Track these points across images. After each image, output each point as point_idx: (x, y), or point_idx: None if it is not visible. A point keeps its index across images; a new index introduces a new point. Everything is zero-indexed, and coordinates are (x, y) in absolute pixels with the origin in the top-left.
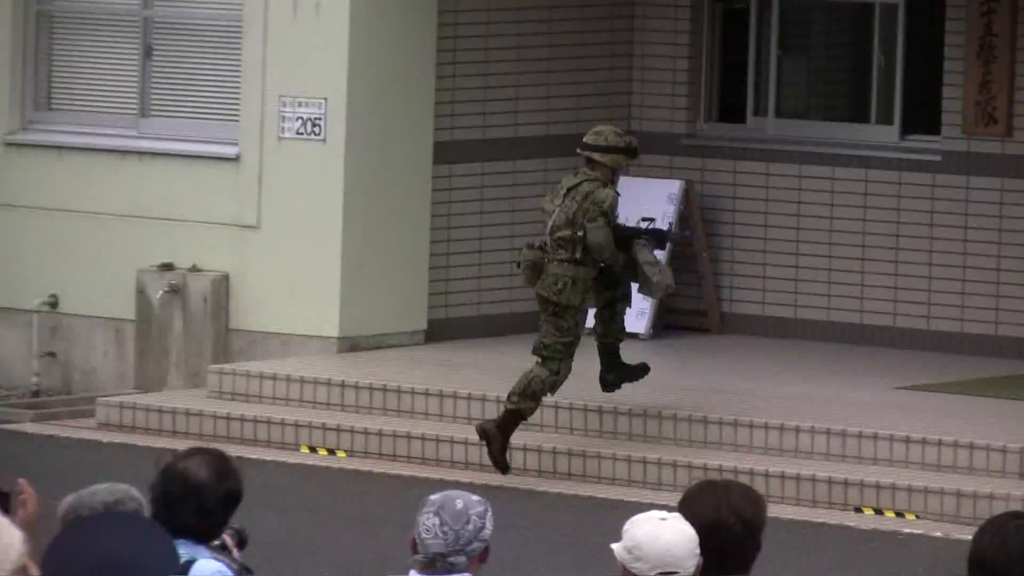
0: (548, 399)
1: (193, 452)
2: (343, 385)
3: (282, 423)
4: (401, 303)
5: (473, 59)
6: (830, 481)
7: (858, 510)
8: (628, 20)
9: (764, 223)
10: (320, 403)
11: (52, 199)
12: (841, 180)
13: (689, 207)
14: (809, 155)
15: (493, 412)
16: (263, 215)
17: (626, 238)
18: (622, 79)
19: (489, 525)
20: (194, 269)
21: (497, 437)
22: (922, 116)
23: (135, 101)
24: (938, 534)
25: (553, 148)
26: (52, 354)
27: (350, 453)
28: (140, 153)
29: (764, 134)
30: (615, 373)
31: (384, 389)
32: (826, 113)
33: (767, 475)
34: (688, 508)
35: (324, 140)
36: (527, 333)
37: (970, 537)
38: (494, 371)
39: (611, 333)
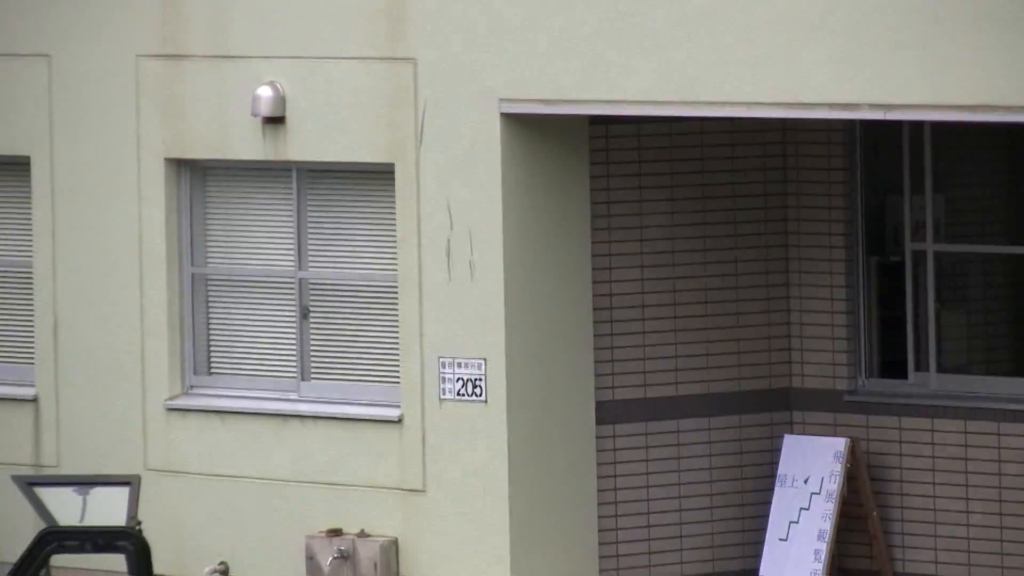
0: None
1: None
2: None
3: None
4: (572, 566)
5: (631, 316)
6: None
7: None
8: (783, 275)
9: (932, 480)
10: None
11: (217, 464)
12: (1008, 436)
13: (855, 465)
14: (974, 411)
15: None
16: (428, 478)
17: None
18: (780, 335)
19: None
20: (362, 534)
21: None
22: None
23: (295, 364)
24: None
25: (716, 407)
26: None
27: None
28: (302, 417)
29: (927, 389)
30: None
31: None
32: (988, 368)
33: None
34: None
35: (485, 401)
36: None
37: None
38: None
39: None
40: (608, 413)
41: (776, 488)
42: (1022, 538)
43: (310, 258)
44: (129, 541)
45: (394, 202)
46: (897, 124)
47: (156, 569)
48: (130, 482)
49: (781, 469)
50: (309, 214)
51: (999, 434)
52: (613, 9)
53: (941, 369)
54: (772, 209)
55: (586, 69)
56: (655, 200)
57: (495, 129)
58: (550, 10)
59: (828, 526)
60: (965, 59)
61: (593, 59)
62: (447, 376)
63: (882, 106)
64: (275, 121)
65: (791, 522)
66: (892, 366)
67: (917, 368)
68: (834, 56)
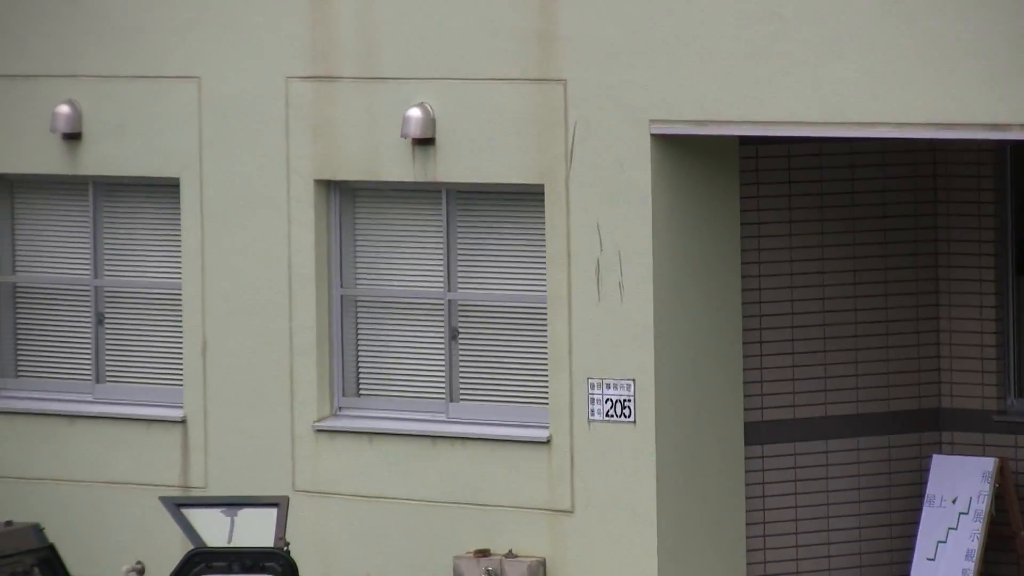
0: None
1: None
2: None
3: None
4: None
5: (780, 337)
6: None
7: None
8: (933, 295)
9: None
10: None
11: (364, 486)
12: None
13: (1003, 485)
14: None
15: None
16: (577, 499)
17: None
18: (930, 355)
19: None
20: (510, 555)
21: None
22: None
23: (443, 385)
24: None
25: (865, 427)
26: None
27: None
28: (451, 438)
29: None
30: None
31: None
32: None
33: None
34: None
35: (634, 422)
36: None
37: None
38: None
39: None
40: (756, 434)
41: (924, 508)
42: None
43: (459, 279)
44: (277, 562)
45: (543, 223)
46: None
47: None
48: (278, 503)
49: (929, 489)
50: (458, 235)
51: None
52: (763, 29)
53: None
54: (922, 229)
55: (736, 89)
56: (805, 221)
57: (645, 150)
58: (700, 30)
59: (976, 546)
60: None
61: (743, 79)
62: (596, 397)
63: None
64: (425, 142)
65: (939, 542)
66: None
67: None
68: (984, 76)
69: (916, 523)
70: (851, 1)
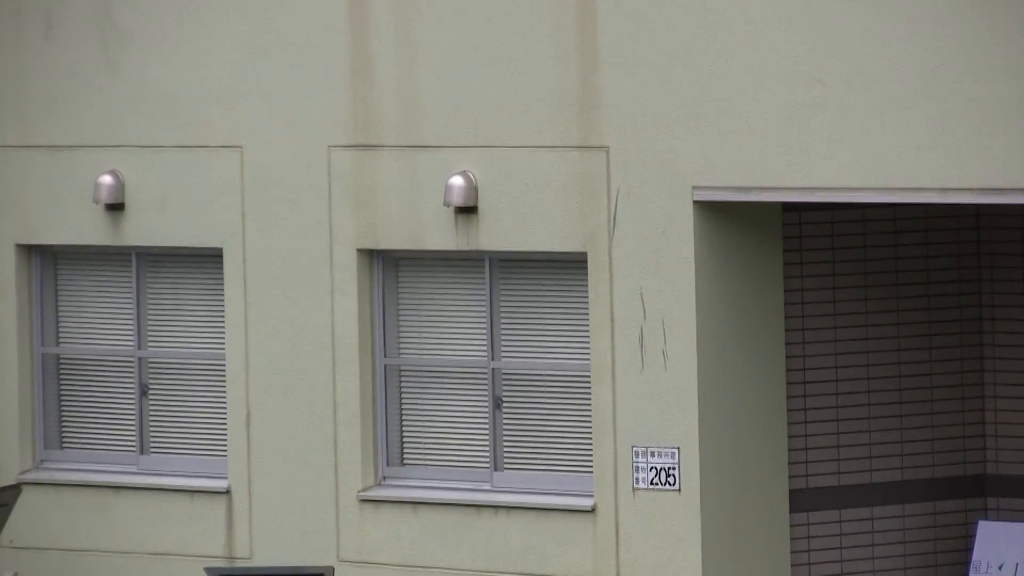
0: None
1: None
2: None
3: None
4: None
5: (824, 404)
6: None
7: None
8: (978, 361)
9: None
10: None
11: (409, 555)
12: None
13: None
14: None
15: None
16: (622, 568)
17: None
18: (974, 421)
19: None
20: None
21: None
22: None
23: (487, 454)
24: None
25: (910, 494)
26: None
27: None
28: (495, 507)
29: None
30: None
31: None
32: None
33: None
34: None
35: (679, 490)
36: None
37: None
38: None
39: None
40: (801, 501)
41: (970, 574)
42: None
43: (502, 347)
44: None
45: (587, 291)
46: None
47: None
48: (323, 574)
49: (976, 555)
50: (501, 303)
51: None
52: (805, 95)
53: None
54: (966, 295)
55: (779, 155)
56: (848, 287)
57: (687, 216)
58: (741, 96)
59: None
60: None
61: (785, 145)
62: (640, 465)
63: None
64: (467, 211)
65: None
66: None
67: None
68: None
69: None
70: (892, 68)
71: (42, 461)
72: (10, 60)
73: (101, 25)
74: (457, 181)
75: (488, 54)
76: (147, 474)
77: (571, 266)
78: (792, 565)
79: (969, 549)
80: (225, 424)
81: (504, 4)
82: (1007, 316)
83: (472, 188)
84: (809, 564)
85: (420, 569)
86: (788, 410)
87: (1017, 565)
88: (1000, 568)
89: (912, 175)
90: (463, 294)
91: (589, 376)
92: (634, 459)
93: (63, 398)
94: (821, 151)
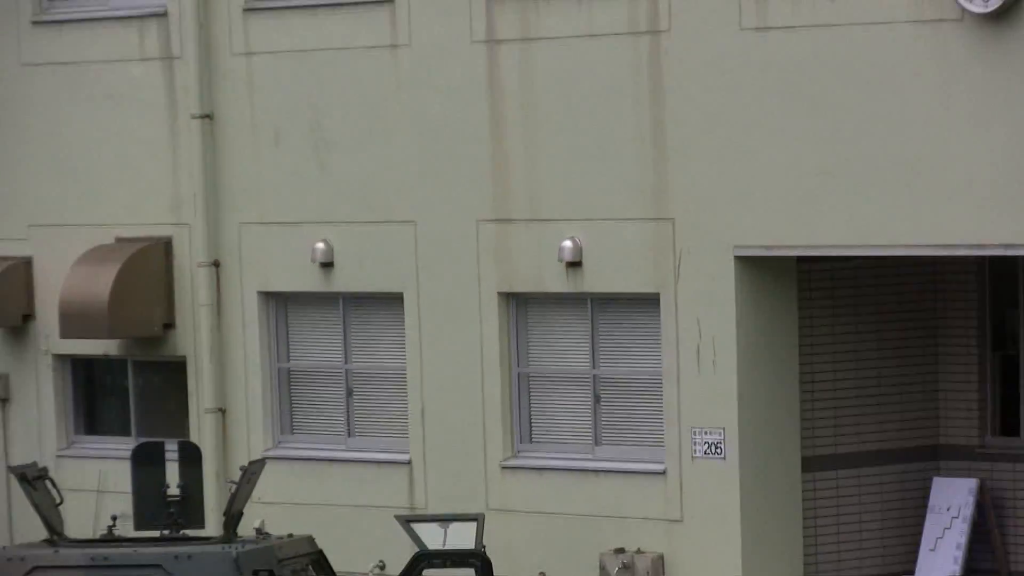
0: None
1: None
2: None
3: None
4: (785, 563)
5: (825, 397)
6: None
7: None
8: (934, 366)
9: None
10: None
11: (537, 505)
12: None
13: (983, 497)
14: None
15: None
16: (684, 512)
17: None
18: (930, 408)
19: None
20: (639, 551)
21: None
22: None
23: (590, 434)
24: None
25: (886, 459)
26: None
27: None
28: (596, 471)
29: None
30: None
31: None
32: None
33: None
34: None
35: (724, 458)
36: None
37: None
38: None
39: None
40: (809, 465)
41: (927, 515)
42: None
43: (600, 360)
44: (477, 559)
45: (659, 319)
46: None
47: None
48: (477, 518)
49: (931, 502)
50: (599, 329)
51: None
52: (814, 179)
53: None
54: (925, 320)
55: (792, 221)
56: (844, 315)
57: (730, 267)
58: (769, 181)
59: (963, 540)
60: None
61: (799, 215)
62: (697, 441)
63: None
64: (575, 264)
65: (938, 538)
66: (1010, 427)
67: None
68: (972, 205)
69: (922, 525)
70: (874, 159)
71: (279, 442)
72: (249, 162)
73: (314, 135)
74: (567, 244)
75: (589, 154)
76: (352, 451)
77: (648, 303)
78: (804, 509)
79: (927, 497)
80: (407, 415)
81: (599, 118)
82: (954, 333)
83: (578, 248)
84: (815, 508)
85: (544, 515)
86: (800, 401)
87: (960, 508)
88: (947, 510)
89: (885, 234)
90: (572, 323)
91: (661, 379)
92: (692, 437)
93: (293, 398)
94: (824, 219)
